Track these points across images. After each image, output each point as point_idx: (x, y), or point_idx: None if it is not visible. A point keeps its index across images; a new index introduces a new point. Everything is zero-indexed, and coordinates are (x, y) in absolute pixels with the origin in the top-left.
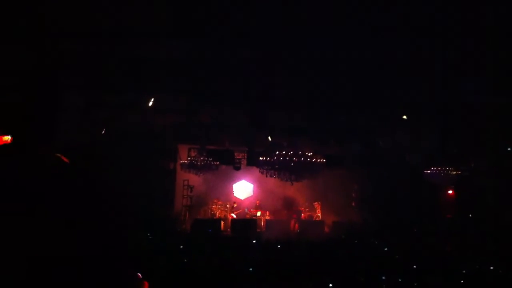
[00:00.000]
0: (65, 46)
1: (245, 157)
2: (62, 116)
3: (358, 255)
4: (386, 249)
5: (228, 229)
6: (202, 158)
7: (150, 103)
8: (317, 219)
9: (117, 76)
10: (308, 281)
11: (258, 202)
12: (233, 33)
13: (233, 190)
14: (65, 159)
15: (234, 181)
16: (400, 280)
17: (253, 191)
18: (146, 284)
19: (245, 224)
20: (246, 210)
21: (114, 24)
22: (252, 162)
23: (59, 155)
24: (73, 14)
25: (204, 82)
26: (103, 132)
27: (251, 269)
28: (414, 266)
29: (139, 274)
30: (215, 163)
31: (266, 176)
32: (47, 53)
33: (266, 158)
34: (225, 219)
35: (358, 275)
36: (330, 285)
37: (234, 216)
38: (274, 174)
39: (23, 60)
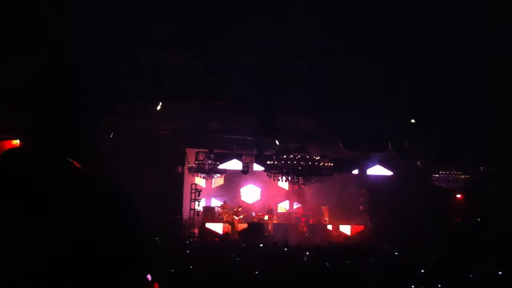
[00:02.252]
0: (75, 52)
1: (253, 160)
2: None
3: (368, 260)
4: (396, 253)
5: (236, 233)
6: (210, 161)
7: (158, 107)
8: (325, 223)
9: (126, 82)
10: (316, 286)
11: (270, 206)
12: (240, 38)
13: (240, 194)
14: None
15: (242, 185)
16: (412, 286)
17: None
18: (156, 285)
19: (252, 228)
20: (253, 213)
21: (125, 32)
22: (260, 166)
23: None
24: (83, 21)
25: (213, 87)
26: (111, 136)
27: (257, 272)
28: (422, 271)
29: (149, 276)
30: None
31: (274, 180)
32: (59, 60)
33: (273, 162)
34: (232, 223)
35: (368, 281)
36: None
37: (238, 219)
38: (282, 178)
39: (36, 66)
